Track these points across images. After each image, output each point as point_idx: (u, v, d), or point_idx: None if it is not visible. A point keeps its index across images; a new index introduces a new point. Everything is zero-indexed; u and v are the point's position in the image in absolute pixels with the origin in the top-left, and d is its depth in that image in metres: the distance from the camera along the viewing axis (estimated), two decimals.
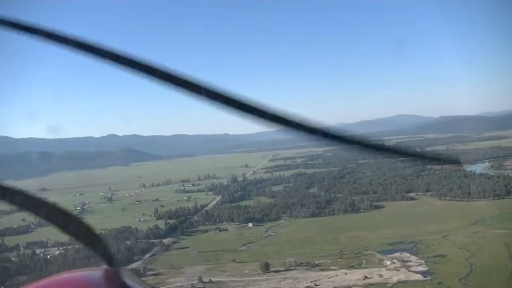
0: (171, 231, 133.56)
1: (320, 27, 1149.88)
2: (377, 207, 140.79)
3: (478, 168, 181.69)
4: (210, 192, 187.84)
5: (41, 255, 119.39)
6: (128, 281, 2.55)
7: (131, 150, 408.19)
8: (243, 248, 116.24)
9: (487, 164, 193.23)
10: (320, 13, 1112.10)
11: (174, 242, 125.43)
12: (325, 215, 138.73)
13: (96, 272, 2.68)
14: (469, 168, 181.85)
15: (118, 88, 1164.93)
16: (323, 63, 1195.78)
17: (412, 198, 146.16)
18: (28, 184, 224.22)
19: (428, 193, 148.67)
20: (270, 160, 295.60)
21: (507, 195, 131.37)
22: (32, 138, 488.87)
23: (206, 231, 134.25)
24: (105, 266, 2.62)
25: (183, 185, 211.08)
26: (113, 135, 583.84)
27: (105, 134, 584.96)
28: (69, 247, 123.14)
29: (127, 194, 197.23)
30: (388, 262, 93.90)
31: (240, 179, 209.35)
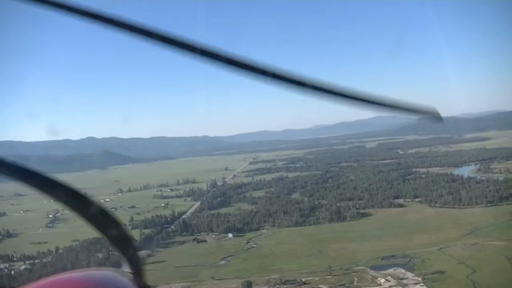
0: (146, 242, 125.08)
1: (294, 28, 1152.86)
2: (364, 215, 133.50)
3: (465, 171, 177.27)
4: (189, 198, 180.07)
5: (5, 270, 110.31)
6: (128, 281, 2.57)
7: (110, 153, 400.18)
8: (223, 262, 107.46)
9: (473, 167, 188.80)
10: (294, 14, 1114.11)
11: (148, 255, 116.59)
12: (310, 224, 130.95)
13: (96, 272, 2.77)
14: (455, 171, 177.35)
15: (97, 90, 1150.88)
16: (298, 64, 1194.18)
17: (400, 205, 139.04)
18: (2, 189, 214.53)
19: (417, 199, 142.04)
20: (250, 163, 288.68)
21: (500, 202, 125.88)
22: (7, 141, 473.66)
23: (184, 242, 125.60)
24: (104, 267, 2.84)
25: (161, 190, 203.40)
26: (92, 138, 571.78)
27: (83, 137, 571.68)
28: (36, 261, 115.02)
29: (103, 200, 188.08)
30: (382, 280, 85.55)
31: (219, 183, 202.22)
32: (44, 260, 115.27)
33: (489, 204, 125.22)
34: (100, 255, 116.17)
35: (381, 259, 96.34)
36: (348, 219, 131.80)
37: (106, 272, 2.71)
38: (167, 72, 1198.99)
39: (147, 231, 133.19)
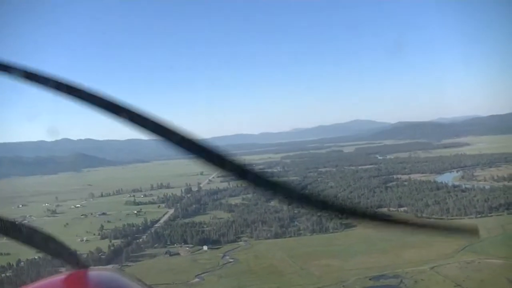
0: (115, 255, 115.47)
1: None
2: (347, 225, 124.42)
3: (448, 178, 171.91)
4: (162, 205, 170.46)
5: None
6: (128, 281, 2.62)
7: (84, 155, 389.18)
8: (197, 280, 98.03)
9: (456, 174, 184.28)
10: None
11: None
12: (290, 236, 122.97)
13: (96, 272, 2.80)
14: (438, 178, 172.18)
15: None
16: (277, 67, 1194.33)
17: None
18: None
19: (402, 209, 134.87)
20: None
21: (490, 213, 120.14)
22: None
23: (155, 255, 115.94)
24: (104, 266, 2.94)
25: (134, 196, 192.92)
26: (67, 139, 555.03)
27: (58, 138, 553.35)
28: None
29: (73, 206, 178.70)
30: None
31: (194, 189, 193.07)
32: (3, 275, 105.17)
33: (479, 215, 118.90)
34: (64, 269, 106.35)
35: (370, 279, 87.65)
36: (331, 230, 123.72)
37: (106, 272, 2.76)
38: (144, 74, 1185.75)
39: (117, 242, 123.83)
